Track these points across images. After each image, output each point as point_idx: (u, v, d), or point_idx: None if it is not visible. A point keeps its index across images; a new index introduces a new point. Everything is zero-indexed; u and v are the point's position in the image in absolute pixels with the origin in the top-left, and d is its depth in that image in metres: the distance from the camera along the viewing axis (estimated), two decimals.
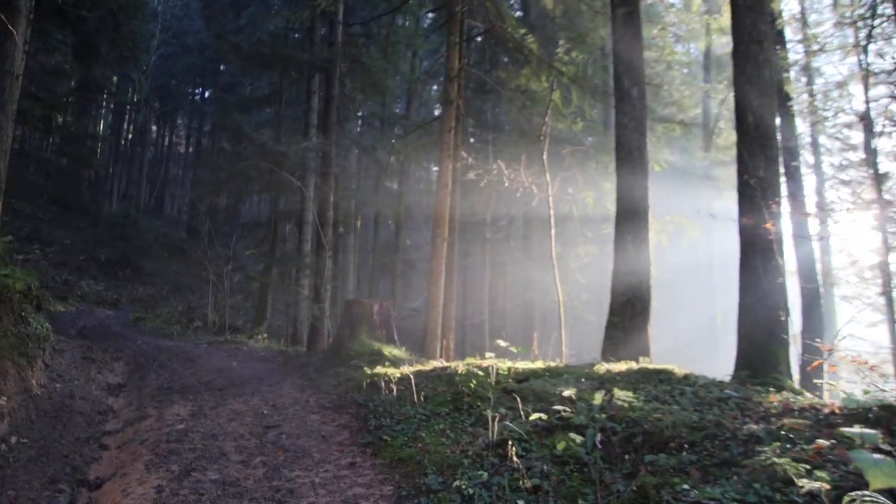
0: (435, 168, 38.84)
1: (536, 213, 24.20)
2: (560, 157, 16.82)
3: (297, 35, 27.75)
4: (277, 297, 28.69)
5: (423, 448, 6.06)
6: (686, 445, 4.98)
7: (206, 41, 41.80)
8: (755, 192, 8.35)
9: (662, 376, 7.27)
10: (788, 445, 4.57)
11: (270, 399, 9.05)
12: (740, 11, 9.04)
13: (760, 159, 8.45)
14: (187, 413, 8.31)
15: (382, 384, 8.48)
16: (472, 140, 25.85)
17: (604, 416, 5.61)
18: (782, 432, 4.90)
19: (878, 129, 24.21)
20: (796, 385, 7.93)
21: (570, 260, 19.47)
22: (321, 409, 8.34)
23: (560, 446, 5.09)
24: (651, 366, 7.80)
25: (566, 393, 6.11)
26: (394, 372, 9.42)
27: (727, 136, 28.74)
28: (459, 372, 8.29)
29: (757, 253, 8.31)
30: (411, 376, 8.26)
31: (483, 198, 21.36)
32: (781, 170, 11.02)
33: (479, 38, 19.68)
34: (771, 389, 6.66)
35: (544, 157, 12.59)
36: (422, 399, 7.59)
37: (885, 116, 23.59)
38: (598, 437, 5.23)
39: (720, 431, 5.08)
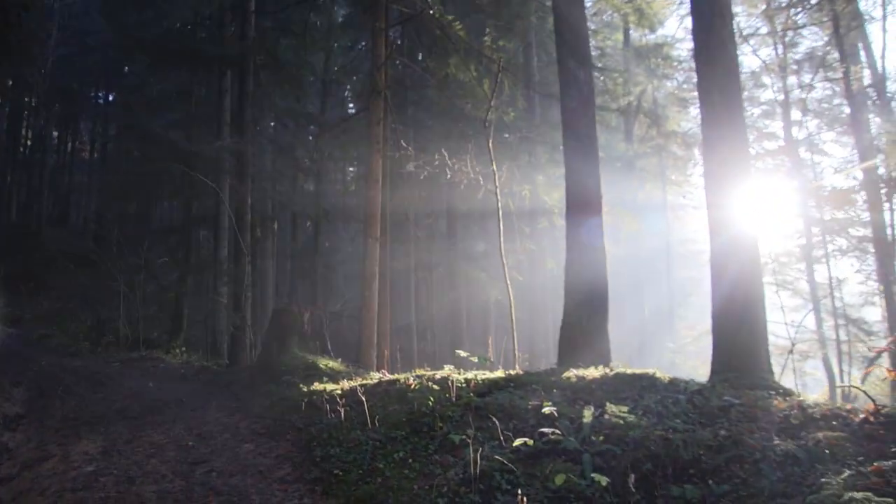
0: (351, 168, 38.01)
1: (461, 209, 23.50)
2: (497, 149, 16.04)
3: (206, 30, 26.35)
4: (194, 307, 27.21)
5: (384, 483, 5.16)
6: (709, 471, 4.19)
7: (108, 40, 39.70)
8: (723, 175, 7.69)
9: (645, 382, 6.50)
10: (840, 467, 3.83)
11: (195, 426, 7.97)
12: None
13: (737, 140, 7.79)
14: (98, 450, 7.17)
15: (324, 403, 7.47)
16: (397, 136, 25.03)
17: (599, 437, 4.79)
18: (821, 449, 4.16)
19: (795, 118, 24.57)
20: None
21: (507, 257, 18.76)
22: (255, 437, 7.33)
23: (558, 480, 4.25)
24: (628, 370, 7.01)
25: (545, 409, 5.30)
26: (334, 388, 8.47)
27: (647, 127, 28.74)
28: (412, 386, 7.40)
29: (732, 243, 7.65)
30: (361, 391, 7.27)
31: (410, 194, 20.45)
32: None
33: (400, 27, 18.87)
34: (772, 393, 5.95)
35: (490, 144, 11.71)
36: (374, 422, 6.63)
37: (800, 107, 23.92)
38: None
39: (745, 451, 4.32)
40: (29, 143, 50.12)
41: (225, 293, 21.85)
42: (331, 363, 10.84)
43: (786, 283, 25.46)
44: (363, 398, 6.79)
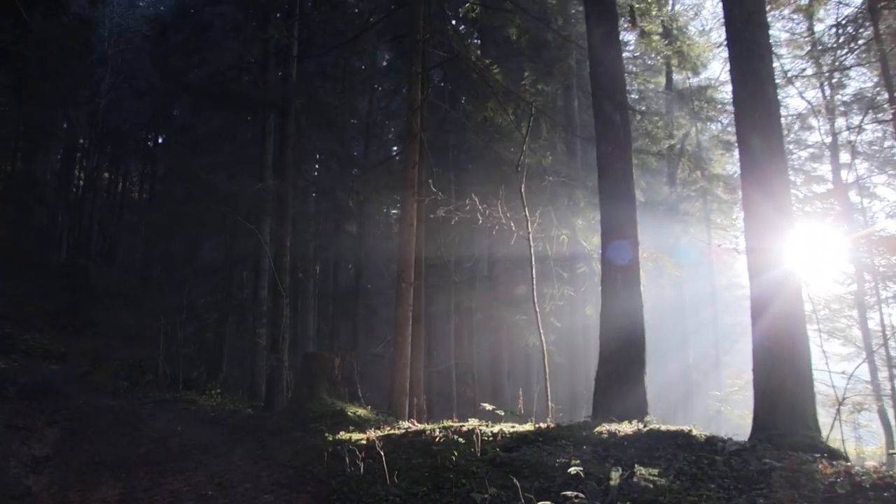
0: (395, 211, 38.07)
1: (501, 253, 23.24)
2: (534, 193, 15.84)
3: (250, 75, 26.74)
4: (235, 347, 27.25)
5: None
6: None
7: (157, 84, 40.67)
8: (763, 219, 7.37)
9: (681, 441, 6.15)
10: None
11: (217, 474, 7.78)
12: (737, 25, 8.16)
13: (776, 184, 7.49)
14: (116, 497, 7.04)
15: (346, 455, 7.23)
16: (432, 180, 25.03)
17: (626, 503, 4.49)
18: None
19: (844, 160, 24.01)
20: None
21: (545, 302, 18.41)
22: (276, 488, 7.12)
23: None
24: (663, 427, 6.67)
25: (572, 469, 4.99)
26: (360, 437, 8.24)
27: (690, 170, 28.33)
28: (437, 439, 7.13)
29: (773, 288, 7.30)
30: (380, 445, 7.00)
31: (449, 238, 20.27)
32: None
33: (438, 70, 18.89)
34: (818, 455, 5.58)
35: (522, 189, 11.50)
36: (394, 478, 6.37)
37: (848, 149, 23.36)
38: None
39: None
40: (81, 183, 51.22)
41: (264, 334, 21.79)
42: (359, 411, 10.62)
43: (837, 331, 24.68)
44: (381, 452, 6.48)
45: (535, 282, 11.32)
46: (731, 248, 39.50)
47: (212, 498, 6.85)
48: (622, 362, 9.11)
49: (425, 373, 17.44)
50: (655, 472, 4.98)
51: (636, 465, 5.12)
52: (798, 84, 23.26)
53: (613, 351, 9.24)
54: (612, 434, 6.66)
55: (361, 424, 9.63)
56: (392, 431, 8.46)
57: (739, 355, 39.76)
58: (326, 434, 8.82)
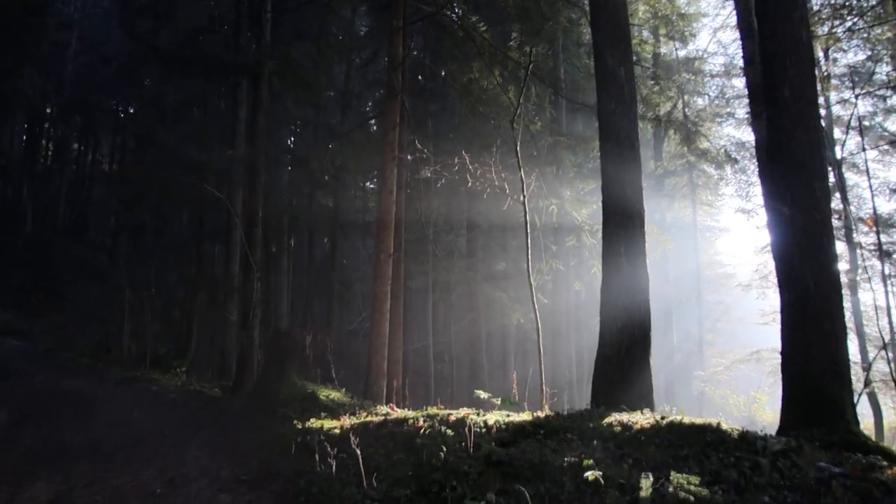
0: (371, 185, 37.03)
1: (481, 223, 22.43)
2: (523, 160, 14.89)
3: (223, 39, 25.62)
4: (205, 324, 26.25)
5: None
6: None
7: (125, 49, 39.33)
8: (796, 187, 6.48)
9: (710, 437, 5.23)
10: None
11: (170, 467, 6.84)
12: None
13: (802, 140, 6.59)
14: (49, 496, 6.06)
15: (317, 448, 6.25)
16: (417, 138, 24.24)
17: None
18: None
19: None
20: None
21: (532, 277, 17.55)
22: (235, 485, 6.18)
23: None
24: (686, 420, 5.74)
25: (589, 474, 4.08)
26: (332, 426, 7.31)
27: (676, 144, 27.65)
28: (421, 430, 6.19)
29: (808, 265, 6.41)
30: (356, 441, 5.97)
31: (430, 207, 19.29)
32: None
33: (420, 36, 17.91)
34: (878, 458, 4.70)
35: (517, 149, 10.46)
36: (372, 478, 5.42)
37: None
38: None
39: None
40: (50, 153, 49.77)
41: (234, 310, 20.79)
42: (333, 394, 9.67)
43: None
44: (357, 449, 5.49)
45: (529, 252, 10.33)
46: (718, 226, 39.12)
47: (160, 497, 5.93)
48: (625, 343, 8.15)
49: (402, 351, 16.61)
50: (696, 480, 4.08)
51: (671, 472, 4.20)
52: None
53: (615, 331, 8.28)
54: (625, 427, 5.74)
55: (335, 410, 8.69)
56: (369, 419, 7.51)
57: (721, 334, 39.41)
58: (296, 421, 7.88)
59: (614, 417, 6.13)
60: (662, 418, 5.87)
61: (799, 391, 6.34)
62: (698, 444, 5.13)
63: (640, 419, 5.92)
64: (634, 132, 8.93)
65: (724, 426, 5.48)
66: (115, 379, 15.62)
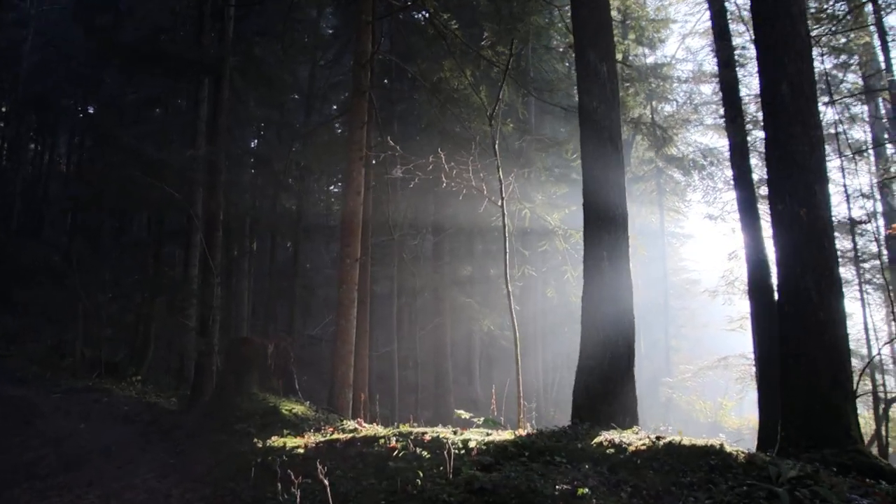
0: (334, 189, 36.44)
1: (447, 227, 22.02)
2: (492, 163, 14.45)
3: (184, 36, 24.99)
4: (163, 329, 25.47)
5: None
6: None
7: (83, 46, 38.41)
8: (795, 189, 6.11)
9: (714, 461, 4.78)
10: None
11: (114, 494, 6.26)
12: None
13: (803, 142, 6.23)
14: None
15: (279, 471, 5.66)
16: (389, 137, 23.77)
17: None
18: None
19: None
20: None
21: (503, 283, 17.16)
22: None
23: None
24: (685, 440, 5.28)
25: None
26: (296, 444, 6.76)
27: (644, 150, 27.50)
28: (394, 452, 5.67)
29: (810, 272, 6.03)
30: (322, 471, 5.32)
31: (396, 209, 18.73)
32: None
33: (387, 35, 17.45)
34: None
35: (496, 146, 9.94)
36: None
37: None
38: None
39: None
40: (5, 153, 48.50)
41: (193, 315, 20.08)
42: (296, 407, 9.08)
43: None
44: (324, 479, 4.91)
45: (507, 256, 9.82)
46: (682, 233, 39.08)
47: None
48: (608, 354, 7.65)
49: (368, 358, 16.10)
50: None
51: None
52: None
53: (598, 342, 7.77)
54: (618, 448, 5.27)
55: (298, 425, 8.11)
56: (336, 436, 6.95)
57: (686, 340, 39.40)
58: (255, 439, 7.28)
59: (604, 437, 5.67)
60: (658, 438, 5.41)
61: (801, 407, 5.94)
62: (702, 470, 4.68)
63: (634, 439, 5.46)
64: (618, 131, 8.49)
65: (728, 448, 5.04)
66: (64, 388, 14.90)
